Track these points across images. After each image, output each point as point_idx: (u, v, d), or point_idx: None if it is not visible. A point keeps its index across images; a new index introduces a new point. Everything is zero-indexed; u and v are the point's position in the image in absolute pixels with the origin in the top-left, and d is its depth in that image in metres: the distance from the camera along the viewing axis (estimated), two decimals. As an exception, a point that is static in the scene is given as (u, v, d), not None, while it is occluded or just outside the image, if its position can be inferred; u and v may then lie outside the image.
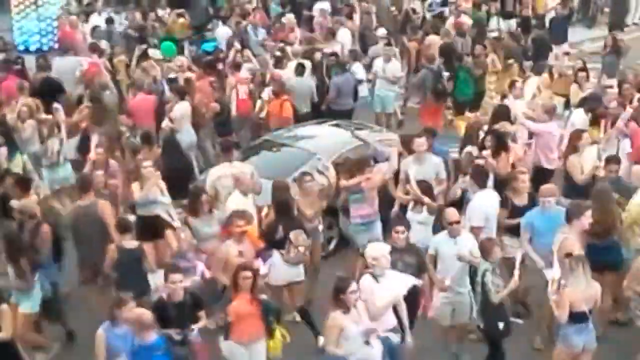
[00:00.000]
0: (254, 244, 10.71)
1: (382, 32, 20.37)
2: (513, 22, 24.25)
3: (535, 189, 11.34)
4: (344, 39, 20.84)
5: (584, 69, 16.91)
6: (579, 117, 14.52)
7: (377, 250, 9.44)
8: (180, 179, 13.17)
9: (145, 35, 21.40)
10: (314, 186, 11.92)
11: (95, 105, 15.46)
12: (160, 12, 24.52)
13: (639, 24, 27.61)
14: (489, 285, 9.48)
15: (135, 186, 11.82)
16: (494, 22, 23.34)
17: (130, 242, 10.54)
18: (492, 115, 14.49)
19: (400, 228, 10.02)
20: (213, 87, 16.61)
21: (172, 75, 17.43)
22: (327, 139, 14.35)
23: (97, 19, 23.33)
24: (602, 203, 10.59)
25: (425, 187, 11.70)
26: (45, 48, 23.65)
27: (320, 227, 12.09)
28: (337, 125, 15.40)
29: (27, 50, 23.69)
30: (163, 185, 11.91)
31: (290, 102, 16.12)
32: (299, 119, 16.39)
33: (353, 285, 8.78)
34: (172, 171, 13.13)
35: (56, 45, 22.14)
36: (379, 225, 11.89)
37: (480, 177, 11.50)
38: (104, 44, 20.39)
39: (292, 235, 10.73)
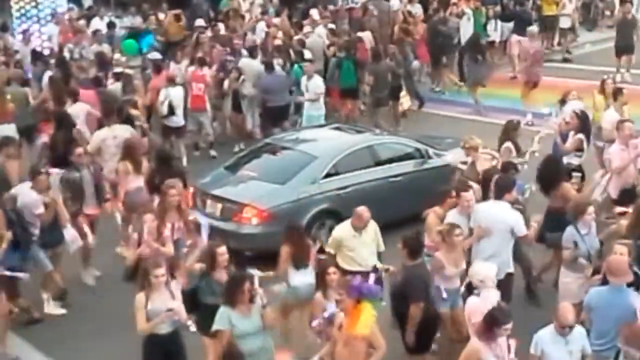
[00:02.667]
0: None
1: (307, 54, 19.80)
2: (512, 25, 24.32)
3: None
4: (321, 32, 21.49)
5: None
6: None
7: (485, 270, 9.11)
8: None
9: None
10: (462, 240, 10.11)
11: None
12: (161, 16, 24.58)
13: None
14: None
15: (140, 298, 8.95)
16: (491, 25, 23.34)
17: (47, 196, 11.51)
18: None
19: None
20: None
21: (117, 70, 18.03)
22: (328, 142, 14.39)
23: (99, 23, 23.40)
24: None
25: None
26: (46, 52, 23.62)
27: (462, 289, 10.00)
28: (338, 128, 15.54)
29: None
30: (175, 288, 9.20)
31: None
32: (274, 110, 17.82)
33: (510, 325, 7.97)
34: (61, 144, 13.64)
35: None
36: None
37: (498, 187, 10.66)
38: (105, 48, 20.52)
39: (166, 183, 11.34)
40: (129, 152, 13.01)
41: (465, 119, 19.92)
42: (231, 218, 12.90)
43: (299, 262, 10.14)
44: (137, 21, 24.35)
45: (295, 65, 19.00)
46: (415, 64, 21.03)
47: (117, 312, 11.37)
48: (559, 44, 25.69)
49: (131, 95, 16.37)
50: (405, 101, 20.34)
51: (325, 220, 13.14)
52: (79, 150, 12.42)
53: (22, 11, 24.92)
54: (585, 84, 21.40)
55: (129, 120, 14.89)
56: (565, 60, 24.84)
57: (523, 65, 20.25)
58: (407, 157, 14.17)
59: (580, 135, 13.44)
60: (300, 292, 9.96)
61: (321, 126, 15.89)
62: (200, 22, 22.64)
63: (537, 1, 25.27)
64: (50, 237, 11.62)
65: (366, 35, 21.35)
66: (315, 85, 17.70)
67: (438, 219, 10.74)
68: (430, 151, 14.31)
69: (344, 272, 9.90)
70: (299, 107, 18.39)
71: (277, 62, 18.69)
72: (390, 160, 13.98)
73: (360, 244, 10.50)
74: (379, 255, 10.70)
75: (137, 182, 12.79)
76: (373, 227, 10.68)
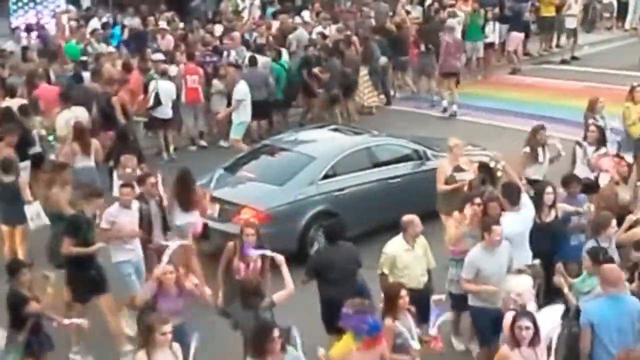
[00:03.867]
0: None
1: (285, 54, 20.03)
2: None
3: None
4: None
5: None
6: None
7: (522, 284, 8.76)
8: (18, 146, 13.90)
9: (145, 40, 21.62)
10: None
11: None
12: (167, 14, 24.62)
13: (638, 28, 27.62)
14: None
15: (141, 357, 8.03)
16: (490, 27, 23.19)
17: (8, 177, 12.30)
18: None
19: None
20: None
21: (84, 58, 19.20)
22: (326, 143, 14.38)
23: (97, 24, 23.43)
24: None
25: None
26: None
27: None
28: (336, 129, 15.53)
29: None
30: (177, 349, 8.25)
31: None
32: (255, 105, 17.66)
33: (526, 322, 7.91)
34: None
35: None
36: None
37: (511, 194, 10.58)
38: (103, 47, 20.58)
39: (122, 158, 12.66)
40: (78, 133, 13.98)
41: (462, 120, 19.88)
42: (229, 219, 12.85)
43: (184, 205, 11.59)
44: (136, 22, 24.36)
45: (273, 63, 19.21)
46: (383, 60, 21.01)
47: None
48: (557, 45, 25.67)
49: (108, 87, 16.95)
50: (372, 97, 20.69)
51: (323, 221, 13.04)
52: (152, 180, 11.68)
53: (21, 12, 24.95)
54: (583, 86, 21.54)
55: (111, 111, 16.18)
56: (564, 61, 24.79)
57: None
58: (405, 158, 14.16)
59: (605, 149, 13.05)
60: (183, 229, 11.42)
61: (319, 127, 15.92)
62: (162, 24, 22.85)
63: (535, 3, 25.15)
64: (9, 213, 12.51)
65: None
66: (236, 91, 17.41)
67: (456, 224, 10.53)
68: (429, 152, 14.29)
69: None
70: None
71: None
72: (388, 162, 13.98)
73: (414, 260, 10.02)
74: (429, 273, 10.30)
75: (85, 162, 13.75)
76: (422, 240, 10.28)
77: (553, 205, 10.76)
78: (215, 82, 18.47)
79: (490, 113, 20.13)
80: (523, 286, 8.79)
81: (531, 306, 8.63)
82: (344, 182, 13.43)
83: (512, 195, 10.51)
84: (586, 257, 9.32)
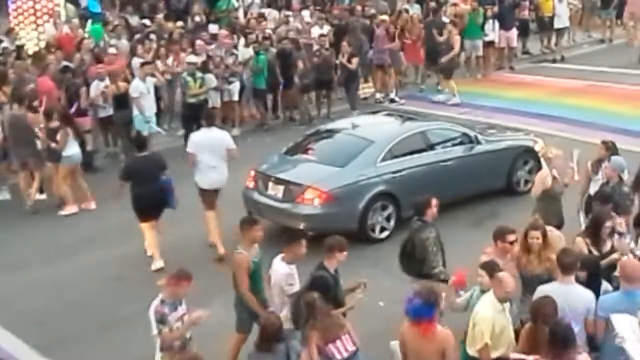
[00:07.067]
0: None
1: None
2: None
3: None
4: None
5: None
6: None
7: None
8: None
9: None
10: None
11: None
12: (159, 16, 24.67)
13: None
14: None
15: None
16: (489, 25, 23.58)
17: (53, 123, 15.13)
18: None
19: None
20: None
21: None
22: (383, 127, 14.80)
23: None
24: None
25: None
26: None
27: None
28: (390, 114, 15.97)
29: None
30: None
31: None
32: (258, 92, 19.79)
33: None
34: None
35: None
36: None
37: None
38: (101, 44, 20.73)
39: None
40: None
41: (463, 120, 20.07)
42: (293, 199, 13.22)
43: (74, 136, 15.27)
44: (135, 20, 24.43)
45: (259, 54, 19.85)
46: (372, 53, 21.64)
47: (118, 312, 11.41)
48: (556, 44, 26.06)
49: None
50: (367, 88, 21.50)
51: (382, 202, 13.51)
52: (436, 201, 10.16)
53: (20, 10, 24.74)
54: (583, 85, 22.14)
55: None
56: (554, 60, 25.25)
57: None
58: (457, 142, 14.57)
59: None
60: (73, 159, 15.09)
61: (373, 113, 16.38)
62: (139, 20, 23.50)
63: (534, 1, 25.67)
64: (52, 153, 15.20)
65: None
66: (132, 89, 17.62)
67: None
68: (479, 137, 14.74)
69: None
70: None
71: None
72: (441, 145, 14.36)
73: (509, 323, 8.28)
74: None
75: None
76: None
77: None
78: (209, 76, 18.68)
79: (490, 112, 20.28)
80: None
81: None
82: (401, 164, 13.78)
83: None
84: (482, 272, 8.59)
